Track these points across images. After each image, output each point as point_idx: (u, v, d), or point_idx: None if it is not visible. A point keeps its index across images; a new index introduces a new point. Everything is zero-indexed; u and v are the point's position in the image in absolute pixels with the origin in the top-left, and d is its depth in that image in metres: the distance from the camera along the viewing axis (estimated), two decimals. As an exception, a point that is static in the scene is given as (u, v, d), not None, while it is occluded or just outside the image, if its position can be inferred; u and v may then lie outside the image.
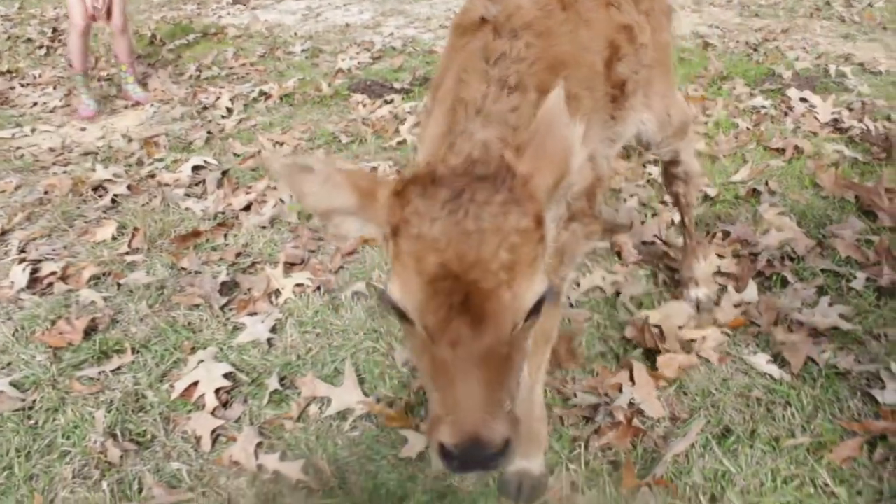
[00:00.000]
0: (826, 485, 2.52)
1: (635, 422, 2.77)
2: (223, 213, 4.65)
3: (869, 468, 2.57)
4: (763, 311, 3.32)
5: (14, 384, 3.26)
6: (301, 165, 1.60)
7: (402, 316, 1.55)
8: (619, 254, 3.86)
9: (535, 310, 1.54)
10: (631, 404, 2.87)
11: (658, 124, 2.95)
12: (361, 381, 3.09)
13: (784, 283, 3.54)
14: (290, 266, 3.97)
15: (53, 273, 4.09)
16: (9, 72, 8.30)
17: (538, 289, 1.52)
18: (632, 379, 2.97)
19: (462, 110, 1.90)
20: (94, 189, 5.14)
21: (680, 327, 3.22)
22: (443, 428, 1.48)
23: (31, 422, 3.08)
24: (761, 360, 3.05)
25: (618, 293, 3.54)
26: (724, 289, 3.50)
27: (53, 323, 3.66)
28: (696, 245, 3.58)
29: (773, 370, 3.00)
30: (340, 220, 1.66)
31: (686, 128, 3.19)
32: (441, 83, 2.24)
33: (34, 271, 4.10)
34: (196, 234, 4.37)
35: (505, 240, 1.45)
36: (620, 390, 2.94)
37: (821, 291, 3.46)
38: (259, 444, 2.84)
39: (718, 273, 3.62)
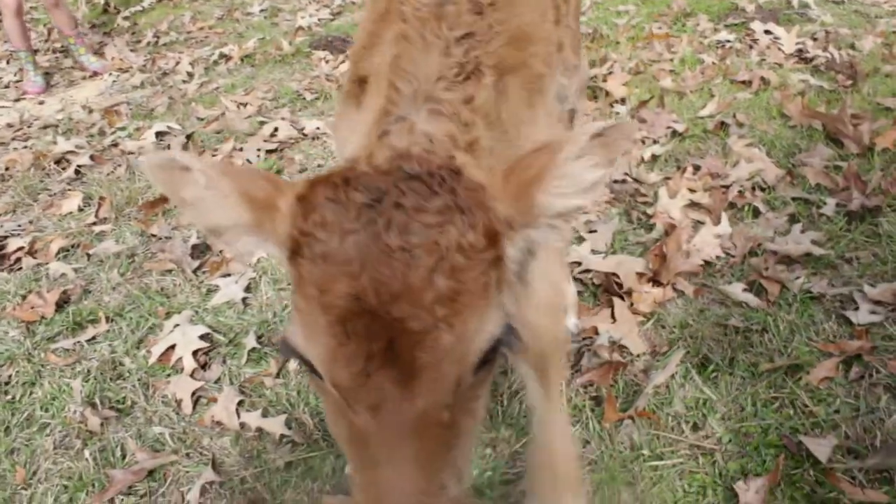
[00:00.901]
0: (805, 405, 2.56)
1: (615, 356, 2.78)
2: (190, 177, 4.56)
3: (845, 387, 2.61)
4: (737, 242, 3.34)
5: (-12, 361, 3.22)
6: (176, 163, 1.23)
7: (311, 368, 1.16)
8: (591, 194, 3.84)
9: (489, 358, 1.17)
10: (612, 341, 2.88)
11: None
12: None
13: (756, 213, 3.56)
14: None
15: (21, 248, 4.03)
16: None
17: (492, 329, 1.14)
18: (613, 316, 2.98)
19: (404, 87, 1.46)
20: (57, 162, 5.04)
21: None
22: None
23: (8, 397, 3.06)
24: (737, 290, 3.06)
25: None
26: (700, 224, 3.51)
27: (24, 298, 3.61)
28: None
29: (749, 298, 3.02)
30: (232, 237, 1.28)
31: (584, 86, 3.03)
32: (368, 53, 1.79)
33: (0, 248, 4.03)
34: (164, 199, 4.29)
35: (443, 260, 1.08)
36: (597, 332, 2.95)
37: (792, 219, 3.47)
38: (240, 403, 2.84)
39: (691, 206, 3.62)
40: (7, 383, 3.12)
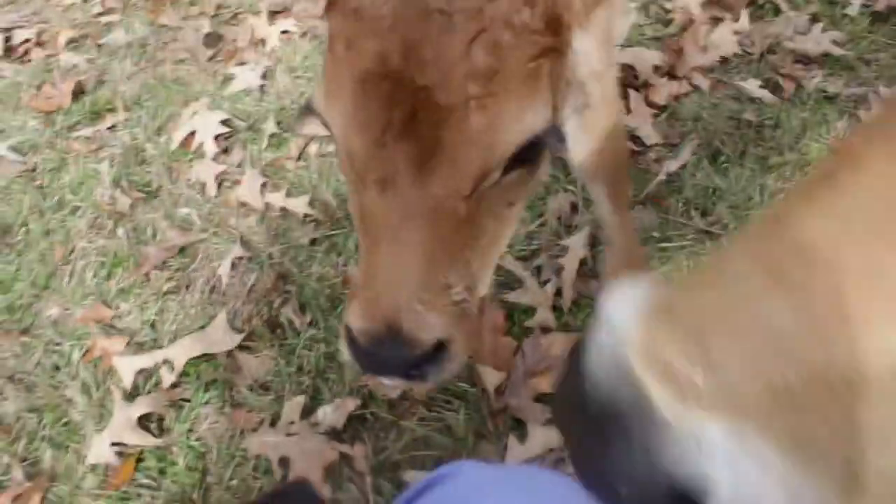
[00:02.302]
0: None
1: (629, 145, 2.83)
2: (196, -34, 4.43)
3: (851, 179, 2.68)
4: (755, 39, 3.30)
5: (13, 148, 3.28)
6: None
7: (330, 133, 1.10)
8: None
9: (526, 157, 1.05)
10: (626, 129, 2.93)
11: None
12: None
13: (777, 11, 3.48)
14: (273, 14, 3.85)
15: (28, 40, 3.96)
16: None
17: (532, 122, 1.02)
18: (627, 108, 3.00)
19: None
20: (52, -50, 4.84)
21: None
22: (353, 306, 1.07)
23: (37, 183, 3.14)
24: (752, 86, 3.07)
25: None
26: (718, 20, 3.45)
27: (39, 88, 3.61)
28: None
29: (764, 94, 3.03)
30: None
31: None
32: None
33: (6, 40, 3.97)
34: (171, -12, 4.20)
35: (486, 32, 0.96)
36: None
37: (814, 18, 3.41)
38: (263, 185, 2.92)
39: (710, 2, 3.54)
40: (34, 170, 3.20)
